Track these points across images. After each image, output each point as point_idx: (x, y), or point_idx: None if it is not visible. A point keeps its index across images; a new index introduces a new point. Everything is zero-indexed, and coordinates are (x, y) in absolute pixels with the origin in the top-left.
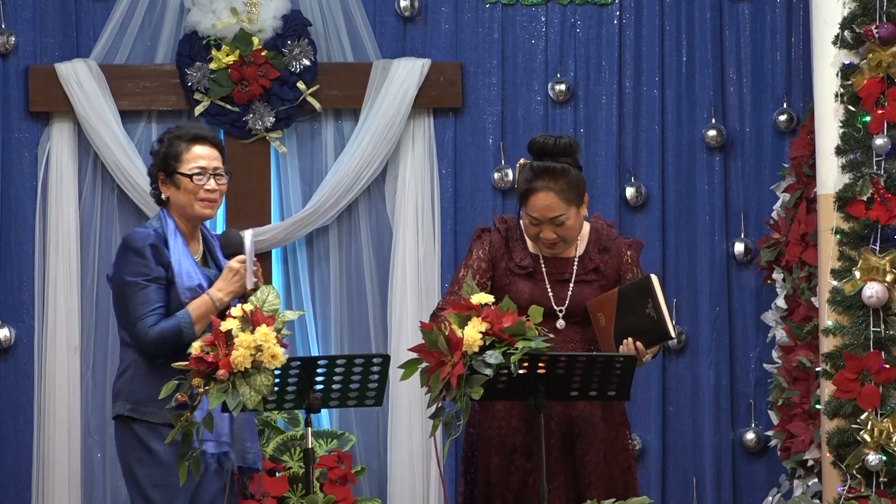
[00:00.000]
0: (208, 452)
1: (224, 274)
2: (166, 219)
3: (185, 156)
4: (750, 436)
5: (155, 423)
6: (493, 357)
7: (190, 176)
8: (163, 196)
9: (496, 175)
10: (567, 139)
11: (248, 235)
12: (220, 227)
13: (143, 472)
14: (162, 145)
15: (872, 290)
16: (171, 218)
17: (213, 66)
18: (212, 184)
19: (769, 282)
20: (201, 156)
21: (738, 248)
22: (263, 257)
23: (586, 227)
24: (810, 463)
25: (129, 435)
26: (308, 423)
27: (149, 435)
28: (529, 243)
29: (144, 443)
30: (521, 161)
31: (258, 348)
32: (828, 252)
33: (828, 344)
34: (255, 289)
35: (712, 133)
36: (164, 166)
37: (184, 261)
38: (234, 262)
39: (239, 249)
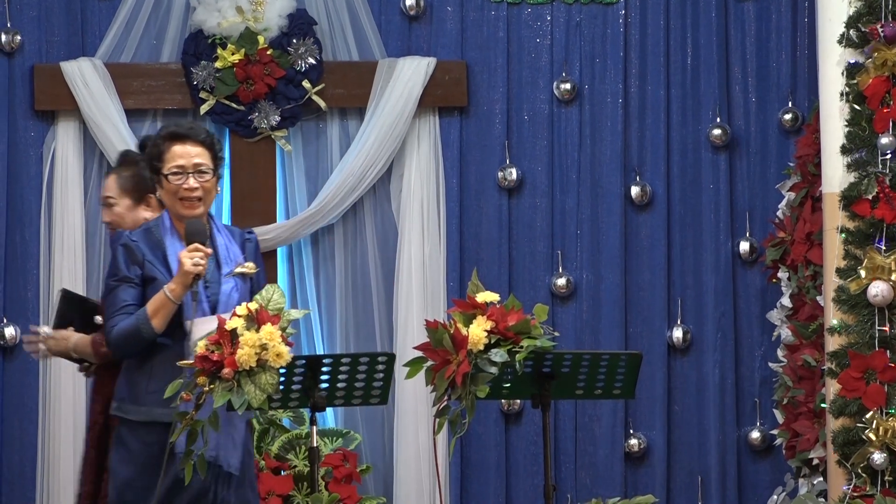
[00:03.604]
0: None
1: (178, 267)
2: (164, 218)
3: (166, 155)
4: (755, 434)
5: (133, 422)
6: (499, 355)
7: (168, 176)
8: (157, 195)
9: (501, 174)
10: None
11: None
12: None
13: (119, 470)
14: (149, 145)
15: (878, 289)
16: (169, 216)
17: (218, 64)
18: (191, 182)
19: (774, 281)
20: (180, 154)
21: (744, 246)
22: (269, 256)
23: None
24: (815, 462)
25: (115, 433)
26: (313, 422)
27: (127, 433)
28: None
29: (123, 440)
30: None
31: (263, 347)
32: (833, 251)
33: (833, 343)
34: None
35: (717, 132)
36: (151, 167)
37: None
38: (182, 254)
39: (196, 238)
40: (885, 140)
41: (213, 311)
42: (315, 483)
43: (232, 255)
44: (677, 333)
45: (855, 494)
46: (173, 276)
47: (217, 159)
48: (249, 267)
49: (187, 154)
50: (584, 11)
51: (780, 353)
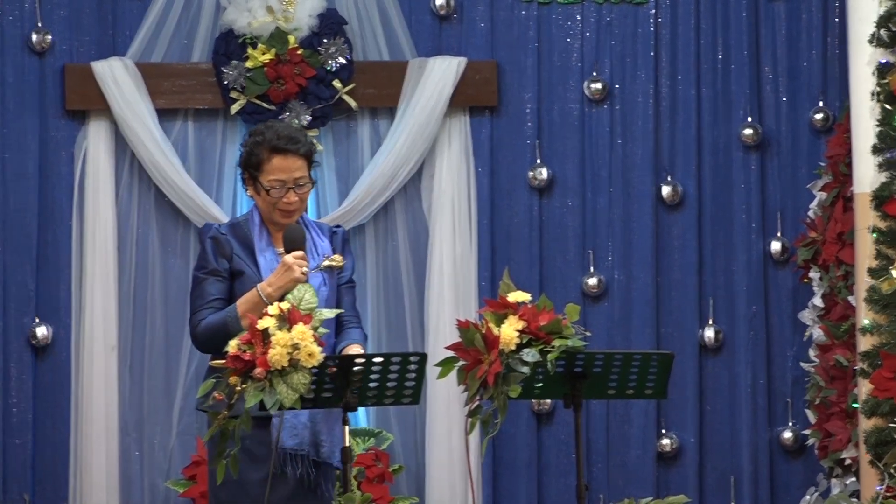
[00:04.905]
0: (283, 447)
1: (277, 268)
2: (254, 214)
3: (266, 166)
4: (787, 435)
5: None
6: (530, 355)
7: (268, 190)
8: (247, 193)
9: (532, 173)
10: None
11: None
12: None
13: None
14: (246, 148)
15: None
16: (259, 214)
17: (249, 64)
18: (290, 196)
19: (806, 280)
20: (281, 168)
21: (775, 246)
22: None
23: None
24: (848, 462)
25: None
26: (345, 422)
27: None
28: None
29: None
30: None
31: (295, 346)
32: (864, 251)
33: (865, 342)
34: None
35: (748, 132)
36: (246, 168)
37: (268, 256)
38: (288, 258)
39: (297, 245)
40: None
41: None
42: (347, 483)
43: (320, 250)
44: (709, 333)
45: (888, 495)
46: (262, 274)
47: (312, 164)
48: (337, 259)
49: (288, 169)
50: (614, 11)
51: (811, 352)
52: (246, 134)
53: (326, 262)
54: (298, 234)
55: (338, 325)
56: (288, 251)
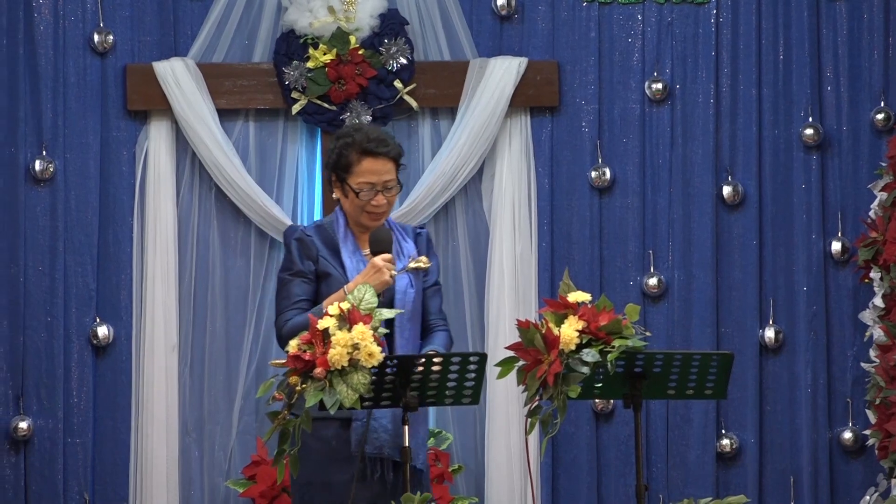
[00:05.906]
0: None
1: (365, 269)
2: (339, 216)
3: (356, 168)
4: (847, 435)
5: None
6: (590, 355)
7: (357, 192)
8: (334, 195)
9: (593, 174)
10: None
11: None
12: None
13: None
14: (334, 150)
15: None
16: (344, 216)
17: (310, 64)
18: (379, 199)
19: (867, 281)
20: (371, 171)
21: (836, 246)
22: None
23: None
24: None
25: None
26: (405, 422)
27: (304, 431)
28: None
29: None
30: None
31: (355, 346)
32: None
33: None
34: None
35: (809, 132)
36: (334, 170)
37: (354, 258)
38: (377, 259)
39: (384, 247)
40: None
41: (390, 307)
42: (407, 482)
43: (405, 251)
44: (769, 333)
45: None
46: (348, 276)
47: (399, 167)
48: (423, 261)
49: (378, 171)
50: (675, 11)
51: (872, 353)
52: (334, 136)
53: (413, 265)
54: (385, 237)
55: (424, 329)
56: (374, 253)
